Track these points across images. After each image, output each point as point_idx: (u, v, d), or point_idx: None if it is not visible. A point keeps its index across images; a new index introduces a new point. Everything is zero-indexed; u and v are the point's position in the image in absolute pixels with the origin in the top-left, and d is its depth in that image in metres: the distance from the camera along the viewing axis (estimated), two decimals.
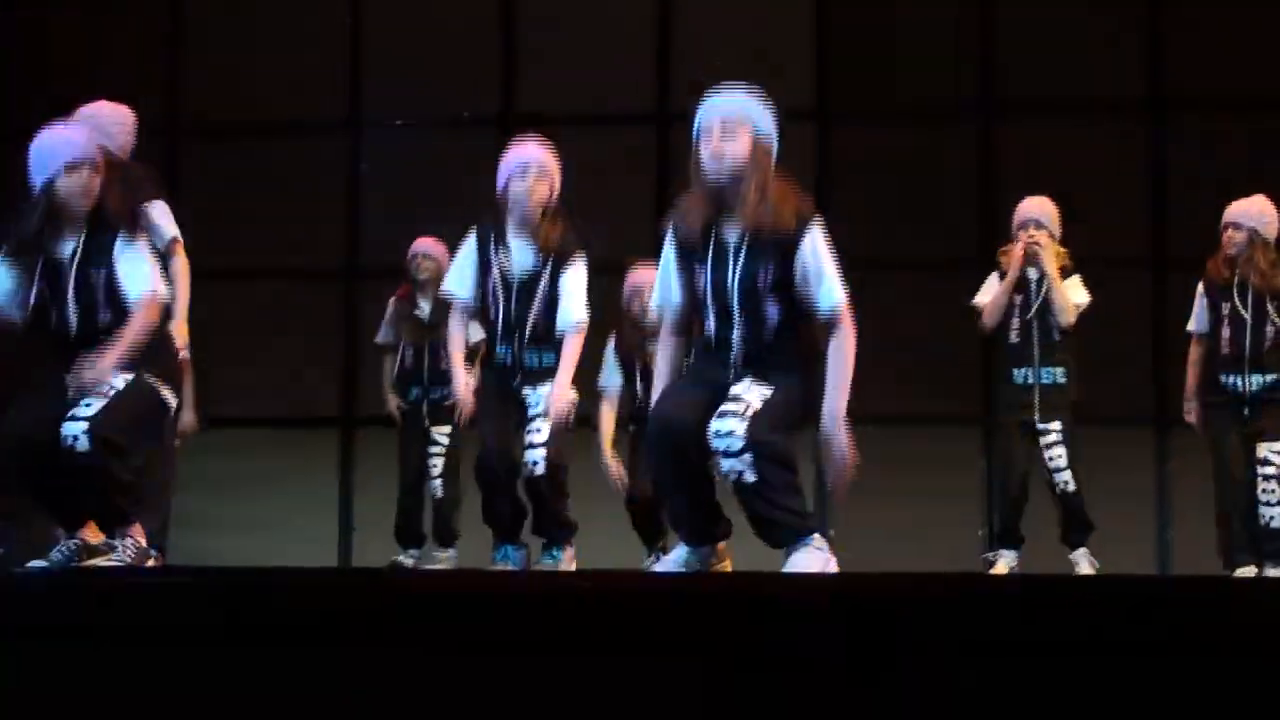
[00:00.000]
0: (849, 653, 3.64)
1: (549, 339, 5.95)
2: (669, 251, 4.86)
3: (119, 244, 5.14)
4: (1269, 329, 7.05)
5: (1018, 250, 7.39)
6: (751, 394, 4.65)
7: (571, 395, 5.91)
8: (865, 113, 9.66)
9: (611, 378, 7.36)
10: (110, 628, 3.89)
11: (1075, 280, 7.41)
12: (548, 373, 5.93)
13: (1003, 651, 3.63)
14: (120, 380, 5.05)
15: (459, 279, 6.06)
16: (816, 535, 4.76)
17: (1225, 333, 7.13)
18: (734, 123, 4.69)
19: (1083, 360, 7.54)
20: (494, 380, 6.02)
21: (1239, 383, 7.09)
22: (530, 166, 5.96)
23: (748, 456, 4.59)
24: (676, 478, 4.77)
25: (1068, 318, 7.29)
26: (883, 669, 3.62)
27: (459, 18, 10.43)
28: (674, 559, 4.91)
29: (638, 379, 7.20)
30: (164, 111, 9.71)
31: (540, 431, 5.83)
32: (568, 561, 6.00)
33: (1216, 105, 9.66)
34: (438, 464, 7.96)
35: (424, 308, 8.02)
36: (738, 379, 4.73)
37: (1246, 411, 7.11)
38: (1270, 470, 7.02)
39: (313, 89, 10.35)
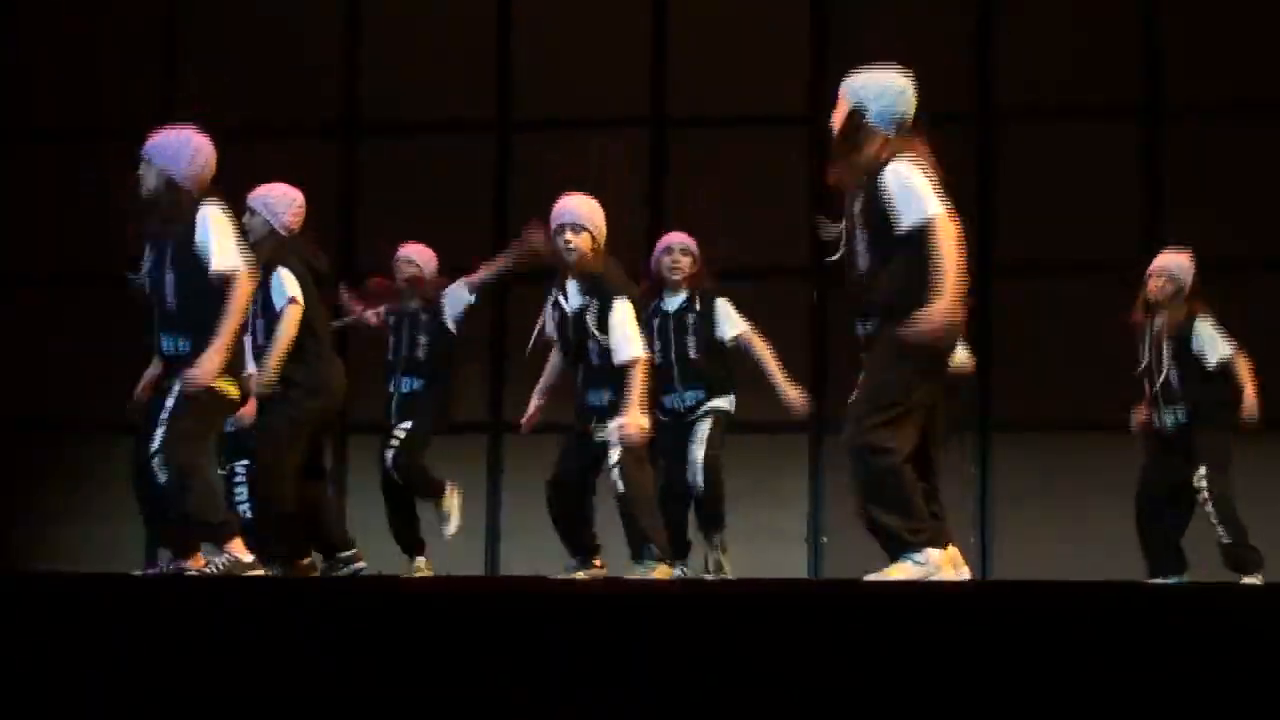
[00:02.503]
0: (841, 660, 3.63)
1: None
2: None
3: (198, 220, 5.67)
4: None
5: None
6: (862, 382, 5.00)
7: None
8: None
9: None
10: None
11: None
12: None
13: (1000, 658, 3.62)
14: (172, 397, 5.61)
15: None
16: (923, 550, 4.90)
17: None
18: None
19: (1096, 369, 7.60)
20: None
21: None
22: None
23: (851, 454, 4.96)
24: None
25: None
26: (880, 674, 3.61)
27: (455, 21, 10.45)
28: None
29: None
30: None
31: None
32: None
33: (1214, 111, 9.70)
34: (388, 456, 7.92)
35: (411, 302, 8.02)
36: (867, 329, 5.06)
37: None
38: (1201, 496, 7.43)
39: (308, 91, 10.36)
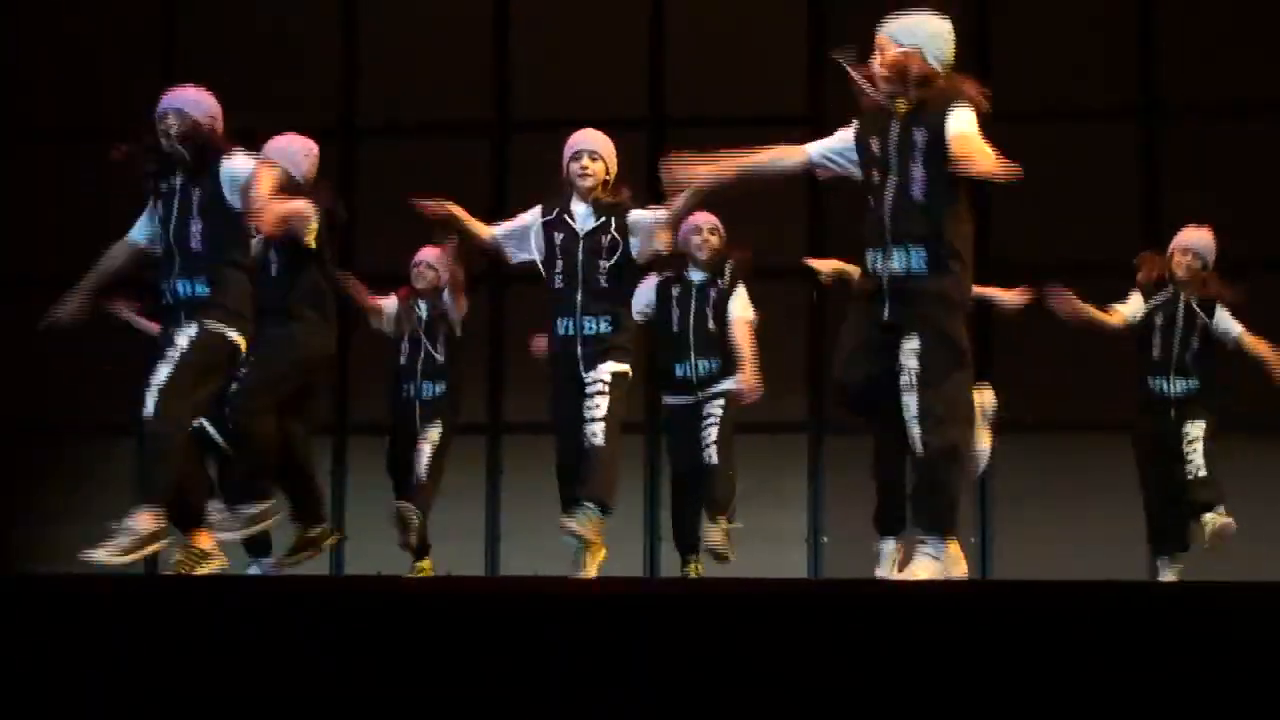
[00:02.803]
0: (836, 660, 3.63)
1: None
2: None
3: (221, 166, 5.73)
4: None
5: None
6: (909, 356, 4.92)
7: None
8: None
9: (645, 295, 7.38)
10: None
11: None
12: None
13: (996, 657, 3.62)
14: (184, 337, 5.59)
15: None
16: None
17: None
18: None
19: (1096, 369, 7.60)
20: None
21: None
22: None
23: (916, 429, 4.90)
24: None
25: None
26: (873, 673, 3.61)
27: (453, 22, 10.46)
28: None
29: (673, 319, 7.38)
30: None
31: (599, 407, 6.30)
32: (592, 531, 6.23)
33: (1214, 110, 9.70)
34: (424, 464, 7.92)
35: (422, 308, 8.05)
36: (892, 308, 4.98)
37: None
38: (1190, 437, 7.49)
39: (300, 93, 10.36)
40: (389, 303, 8.06)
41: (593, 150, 6.54)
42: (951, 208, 5.04)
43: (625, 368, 6.43)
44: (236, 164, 5.76)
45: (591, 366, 6.38)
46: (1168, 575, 7.48)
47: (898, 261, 5.02)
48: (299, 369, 6.63)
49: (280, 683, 3.80)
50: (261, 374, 6.44)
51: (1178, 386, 7.55)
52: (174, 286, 5.75)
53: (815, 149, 5.34)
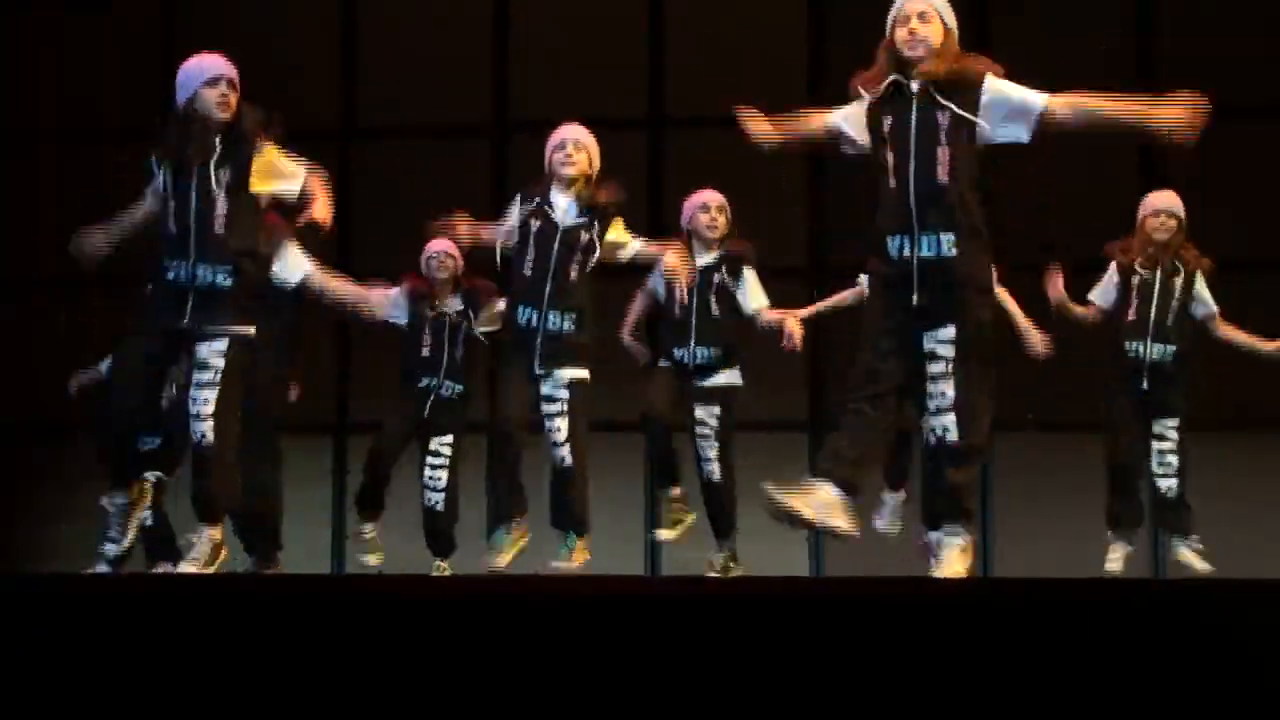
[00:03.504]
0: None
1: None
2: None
3: (254, 155, 5.66)
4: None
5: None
6: (944, 345, 4.92)
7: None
8: None
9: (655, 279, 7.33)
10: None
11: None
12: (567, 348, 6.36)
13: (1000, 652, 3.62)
14: (218, 357, 5.51)
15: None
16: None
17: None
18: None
19: (1096, 369, 7.63)
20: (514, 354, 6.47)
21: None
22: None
23: (951, 416, 4.93)
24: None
25: None
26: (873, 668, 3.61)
27: (452, 23, 10.47)
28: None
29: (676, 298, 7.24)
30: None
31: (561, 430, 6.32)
32: (579, 554, 6.38)
33: (1214, 111, 9.69)
34: (441, 477, 7.89)
35: (449, 304, 7.92)
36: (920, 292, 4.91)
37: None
38: (1166, 445, 7.39)
39: (303, 94, 10.36)
40: (392, 293, 7.96)
41: (576, 140, 6.55)
42: (971, 189, 5.04)
43: (584, 374, 6.42)
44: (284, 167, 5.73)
45: (547, 368, 6.35)
46: (1116, 556, 7.42)
47: (927, 248, 5.01)
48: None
49: (280, 682, 3.80)
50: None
51: (1155, 352, 7.42)
52: (192, 271, 5.54)
53: (836, 118, 5.33)
